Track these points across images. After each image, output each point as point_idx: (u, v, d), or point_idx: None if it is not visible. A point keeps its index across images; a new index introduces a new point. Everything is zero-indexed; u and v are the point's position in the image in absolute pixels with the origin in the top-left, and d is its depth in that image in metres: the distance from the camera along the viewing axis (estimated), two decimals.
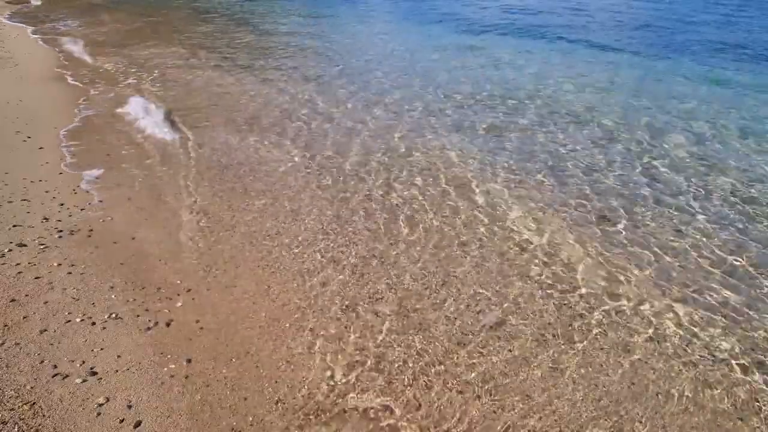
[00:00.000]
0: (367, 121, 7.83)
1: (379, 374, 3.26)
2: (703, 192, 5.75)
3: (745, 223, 5.15)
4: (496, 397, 3.10)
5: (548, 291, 4.10)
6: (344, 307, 3.89)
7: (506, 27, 15.94)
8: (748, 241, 4.85)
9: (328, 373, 3.27)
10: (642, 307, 3.94)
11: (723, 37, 14.12)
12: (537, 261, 4.49)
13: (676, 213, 5.32)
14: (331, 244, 4.69)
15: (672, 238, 4.89)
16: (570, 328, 3.70)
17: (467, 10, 19.31)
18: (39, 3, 20.58)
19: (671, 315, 3.87)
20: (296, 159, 6.52)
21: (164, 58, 11.76)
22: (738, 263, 4.52)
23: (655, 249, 4.69)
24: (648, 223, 5.13)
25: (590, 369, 3.34)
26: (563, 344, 3.54)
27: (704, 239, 4.87)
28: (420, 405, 3.04)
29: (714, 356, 3.49)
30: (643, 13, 18.73)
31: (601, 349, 3.51)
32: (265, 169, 6.23)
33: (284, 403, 3.04)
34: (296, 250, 4.58)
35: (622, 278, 4.28)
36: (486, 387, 3.17)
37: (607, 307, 3.93)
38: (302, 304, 3.90)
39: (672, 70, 11.01)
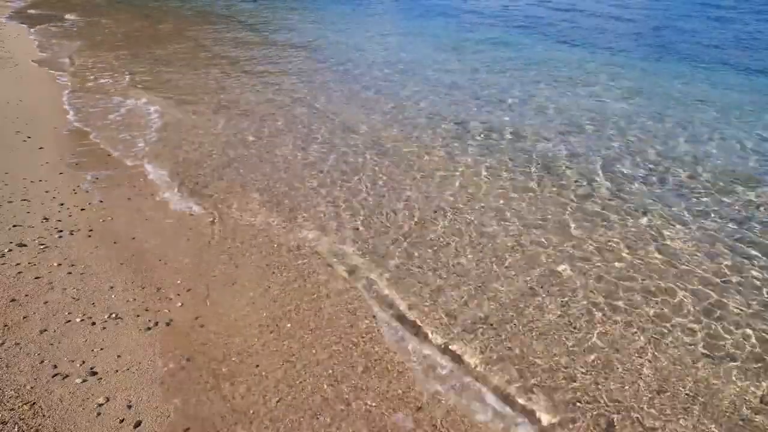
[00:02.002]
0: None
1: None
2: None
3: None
4: None
5: None
6: (343, 308, 3.90)
7: (500, 28, 15.93)
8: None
9: (329, 371, 3.28)
10: None
11: (720, 40, 14.11)
12: None
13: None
14: (332, 244, 4.70)
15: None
16: None
17: (457, 14, 19.31)
18: (23, 4, 20.47)
19: None
20: (298, 155, 6.52)
21: (163, 58, 11.75)
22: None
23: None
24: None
25: None
26: None
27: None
28: None
29: None
30: (635, 14, 18.72)
31: None
32: (267, 166, 6.23)
33: (285, 401, 3.04)
34: (296, 249, 4.59)
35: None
36: None
37: None
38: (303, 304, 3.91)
39: (668, 72, 11.00)
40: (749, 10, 18.12)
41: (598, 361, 3.41)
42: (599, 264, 4.46)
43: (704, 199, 5.60)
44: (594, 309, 3.91)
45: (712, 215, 5.28)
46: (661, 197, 5.63)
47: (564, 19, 17.30)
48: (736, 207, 5.46)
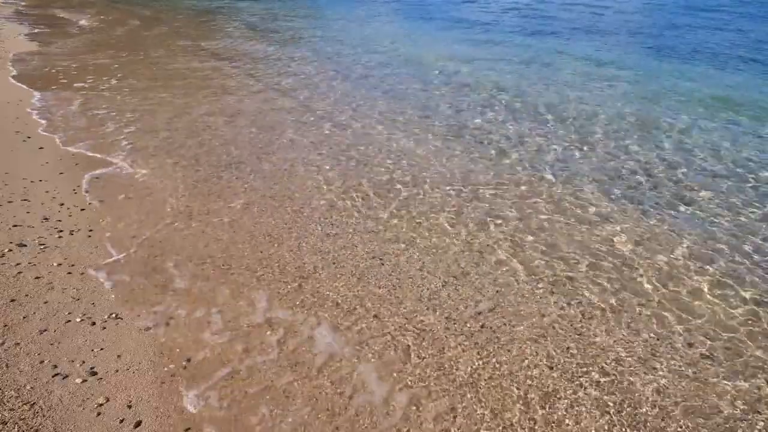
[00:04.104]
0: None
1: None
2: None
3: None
4: None
5: None
6: (342, 305, 3.90)
7: (496, 29, 15.95)
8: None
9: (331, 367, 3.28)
10: None
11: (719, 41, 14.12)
12: None
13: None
14: (332, 245, 4.70)
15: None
16: None
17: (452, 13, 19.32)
18: (23, 3, 20.48)
19: None
20: (290, 143, 6.53)
21: (164, 57, 11.76)
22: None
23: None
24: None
25: None
26: None
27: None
28: None
29: None
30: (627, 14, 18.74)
31: None
32: (267, 166, 6.23)
33: (287, 397, 3.04)
34: (295, 247, 4.59)
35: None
36: None
37: None
38: (305, 303, 3.91)
39: (665, 74, 11.01)
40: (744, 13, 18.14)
41: None
42: None
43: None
44: None
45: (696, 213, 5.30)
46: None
47: (561, 21, 17.31)
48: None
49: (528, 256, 4.56)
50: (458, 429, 2.90)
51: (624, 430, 2.91)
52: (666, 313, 3.87)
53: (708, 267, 4.44)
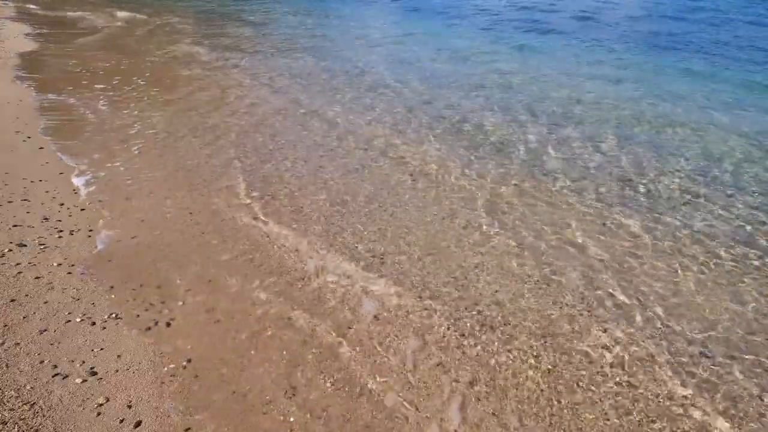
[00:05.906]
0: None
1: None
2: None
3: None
4: None
5: None
6: (342, 303, 3.90)
7: (495, 27, 15.95)
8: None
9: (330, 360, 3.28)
10: None
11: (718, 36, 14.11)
12: None
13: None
14: (331, 245, 4.70)
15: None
16: None
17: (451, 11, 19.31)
18: (21, 2, 20.39)
19: None
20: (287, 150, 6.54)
21: (166, 58, 11.75)
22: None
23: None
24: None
25: None
26: None
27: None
28: None
29: None
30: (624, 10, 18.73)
31: None
32: (265, 165, 6.23)
33: (289, 397, 3.04)
34: (294, 251, 4.59)
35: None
36: None
37: None
38: (304, 302, 3.91)
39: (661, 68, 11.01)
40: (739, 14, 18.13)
41: None
42: None
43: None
44: None
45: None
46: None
47: (555, 21, 17.31)
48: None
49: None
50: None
51: None
52: None
53: None
